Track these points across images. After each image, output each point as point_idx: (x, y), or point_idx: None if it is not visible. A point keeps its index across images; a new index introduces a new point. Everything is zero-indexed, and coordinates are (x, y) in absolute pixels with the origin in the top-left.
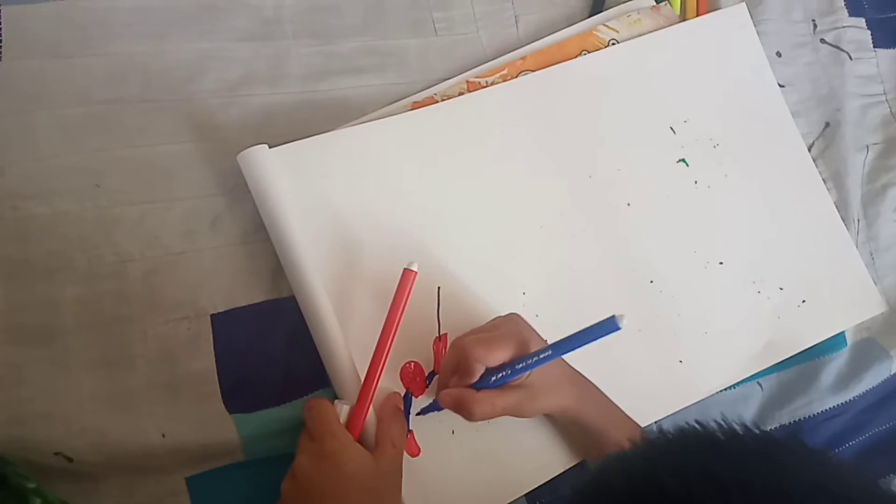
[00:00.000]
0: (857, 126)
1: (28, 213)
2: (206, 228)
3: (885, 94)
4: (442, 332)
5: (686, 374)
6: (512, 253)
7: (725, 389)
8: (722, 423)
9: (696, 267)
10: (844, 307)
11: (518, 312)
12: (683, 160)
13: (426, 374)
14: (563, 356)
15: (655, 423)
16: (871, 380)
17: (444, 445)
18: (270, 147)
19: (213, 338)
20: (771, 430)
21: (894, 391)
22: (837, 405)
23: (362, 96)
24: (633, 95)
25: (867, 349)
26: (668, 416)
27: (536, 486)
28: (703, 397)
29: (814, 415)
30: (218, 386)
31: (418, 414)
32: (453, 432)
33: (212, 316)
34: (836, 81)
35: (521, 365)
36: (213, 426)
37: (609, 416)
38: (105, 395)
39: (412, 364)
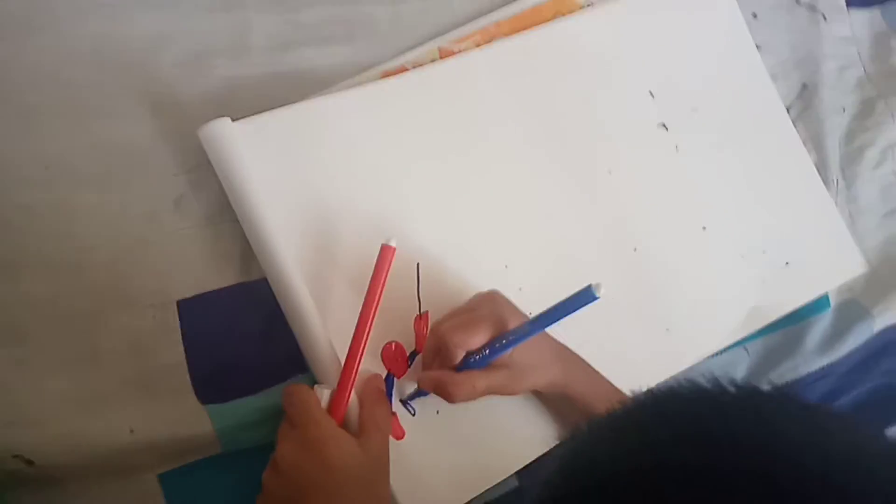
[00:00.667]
0: (834, 88)
1: None
2: (169, 210)
3: (859, 55)
4: (423, 311)
5: (673, 342)
6: (491, 226)
7: (712, 356)
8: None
9: (680, 233)
10: (827, 269)
11: (498, 289)
12: (663, 125)
13: (408, 355)
14: (546, 330)
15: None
16: (854, 340)
17: (429, 427)
18: (234, 120)
19: (181, 326)
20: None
21: (877, 351)
22: (823, 367)
23: (330, 67)
24: (610, 60)
25: (850, 310)
26: (656, 385)
27: (526, 463)
28: (690, 364)
29: (801, 377)
30: (189, 376)
31: (404, 400)
32: (438, 412)
33: (178, 302)
34: (812, 43)
35: (498, 344)
36: (186, 419)
37: (597, 388)
38: (71, 393)
39: (393, 344)
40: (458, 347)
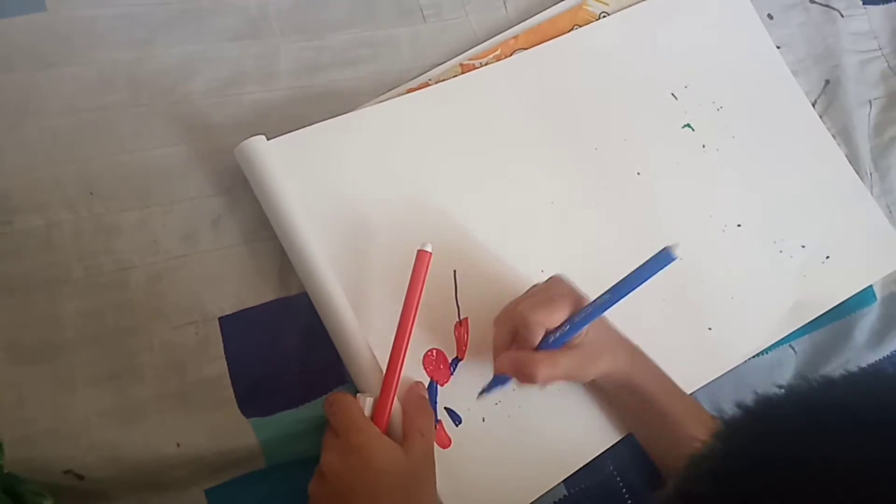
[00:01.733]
0: (858, 82)
1: (22, 226)
2: (207, 230)
3: (880, 48)
4: (462, 317)
5: (717, 341)
6: (525, 231)
7: (758, 356)
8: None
9: (715, 231)
10: (869, 260)
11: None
12: (689, 125)
13: (449, 361)
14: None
15: (691, 394)
16: None
17: (476, 436)
18: (268, 139)
19: (223, 341)
20: None
21: None
22: (875, 361)
23: (356, 87)
24: (630, 65)
25: None
26: (704, 386)
27: (574, 470)
28: (736, 364)
29: None
30: (232, 391)
31: (481, 394)
32: (484, 420)
33: (220, 319)
34: (830, 39)
35: (579, 317)
36: (230, 433)
37: (661, 382)
38: (113, 408)
39: (434, 351)
40: (539, 326)
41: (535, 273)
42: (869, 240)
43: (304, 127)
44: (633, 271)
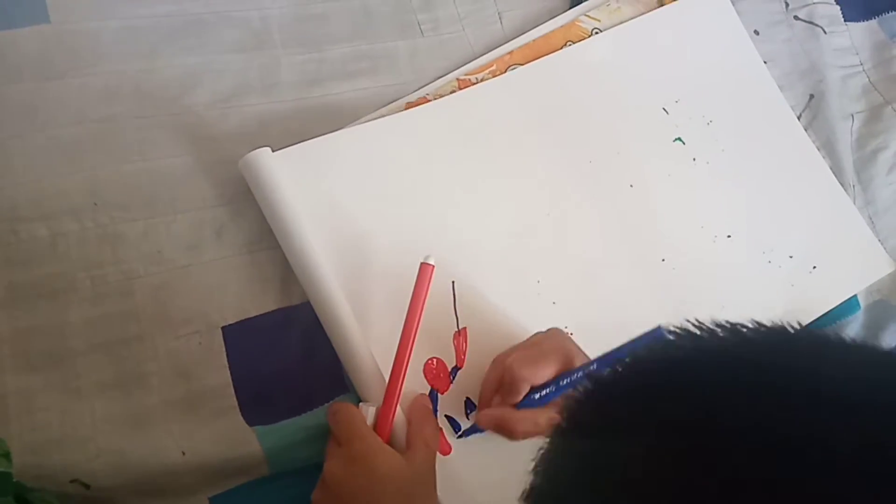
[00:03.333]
0: (840, 96)
1: (28, 235)
2: (210, 240)
3: (861, 64)
4: (461, 327)
5: None
6: (521, 243)
7: None
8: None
9: (706, 242)
10: (854, 270)
11: (557, 326)
12: (679, 139)
13: (449, 370)
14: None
15: None
16: (889, 340)
17: (475, 441)
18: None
19: (227, 350)
20: None
21: None
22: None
23: (356, 100)
24: (622, 81)
25: (881, 311)
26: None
27: None
28: None
29: None
30: (235, 399)
31: (459, 437)
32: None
33: (223, 328)
34: (814, 55)
35: (566, 381)
36: (235, 440)
37: None
38: (120, 416)
39: (434, 360)
40: (524, 381)
41: (531, 284)
42: (854, 249)
43: (304, 138)
44: (623, 344)
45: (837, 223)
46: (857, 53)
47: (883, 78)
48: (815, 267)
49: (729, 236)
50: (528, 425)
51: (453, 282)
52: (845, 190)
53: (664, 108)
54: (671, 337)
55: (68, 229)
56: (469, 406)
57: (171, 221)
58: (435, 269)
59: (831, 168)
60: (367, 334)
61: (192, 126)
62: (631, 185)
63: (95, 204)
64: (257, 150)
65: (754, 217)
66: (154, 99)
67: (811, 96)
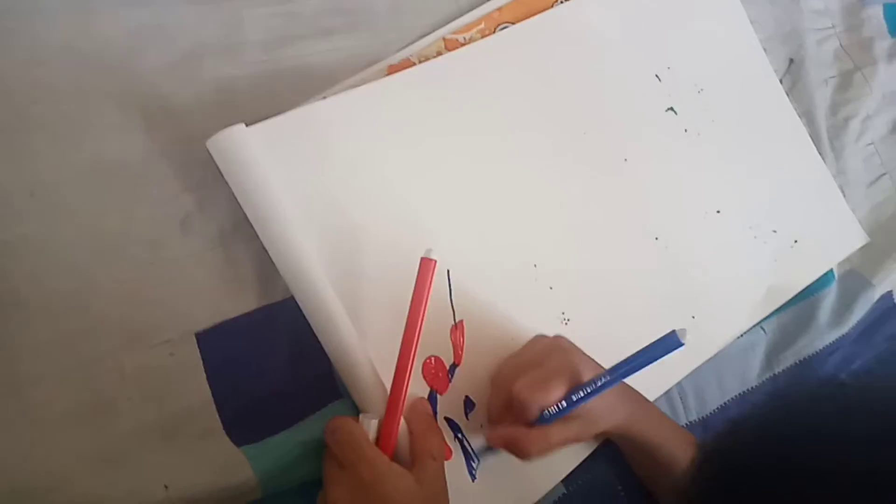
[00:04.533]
0: (816, 61)
1: None
2: (175, 233)
3: (833, 26)
4: (458, 320)
5: (700, 329)
6: (516, 221)
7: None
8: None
9: (697, 218)
10: (831, 243)
11: (562, 335)
12: (672, 108)
13: (447, 368)
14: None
15: (676, 384)
16: (859, 310)
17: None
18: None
19: (203, 360)
20: (779, 372)
21: (877, 319)
22: (836, 339)
23: (332, 62)
24: (616, 43)
25: (852, 281)
26: (688, 374)
27: (571, 469)
28: (718, 350)
29: (817, 352)
30: (218, 417)
31: (473, 466)
32: (482, 426)
33: (197, 334)
34: (795, 17)
35: (576, 396)
36: (223, 466)
37: (662, 429)
38: (90, 450)
39: (433, 359)
40: (535, 406)
41: (528, 268)
42: (831, 223)
43: (274, 108)
44: (637, 353)
45: (817, 196)
46: (830, 16)
47: (853, 42)
48: (796, 241)
49: (718, 212)
50: (541, 444)
51: (448, 271)
52: (824, 159)
53: (657, 75)
54: (684, 345)
55: (4, 237)
56: (468, 405)
57: (126, 213)
58: (437, 263)
59: (811, 136)
60: (363, 335)
61: (143, 97)
62: (625, 160)
63: (32, 195)
64: (230, 128)
65: (742, 191)
66: (94, 66)
67: (791, 61)
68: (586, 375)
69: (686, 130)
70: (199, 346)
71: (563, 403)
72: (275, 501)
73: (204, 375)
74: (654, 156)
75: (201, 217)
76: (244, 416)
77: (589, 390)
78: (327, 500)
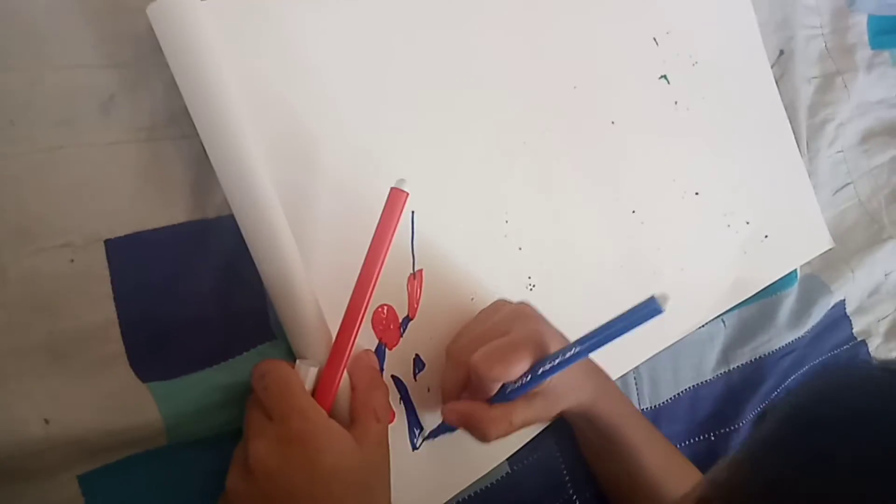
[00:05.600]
0: (803, 58)
1: None
2: (93, 114)
3: (821, 27)
4: (417, 268)
5: (664, 315)
6: (493, 173)
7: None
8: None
9: (675, 197)
10: (799, 244)
11: (527, 301)
12: (665, 77)
13: (400, 321)
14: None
15: (633, 369)
16: (816, 315)
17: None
18: None
19: (111, 273)
20: (734, 368)
21: (828, 326)
22: (792, 341)
23: None
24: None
25: (812, 285)
26: (646, 360)
27: (517, 449)
28: (679, 338)
29: (772, 352)
30: (122, 343)
31: (427, 438)
32: (429, 390)
33: (107, 242)
34: (788, 8)
35: (542, 370)
36: (121, 403)
37: (622, 410)
38: None
39: (385, 308)
40: (495, 382)
41: (499, 223)
42: (801, 223)
43: None
44: (612, 320)
45: (792, 194)
46: (820, 15)
47: (837, 46)
48: (766, 236)
49: (697, 193)
50: (503, 424)
51: (413, 212)
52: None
53: (654, 38)
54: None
55: None
56: (418, 364)
57: (33, 80)
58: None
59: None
60: (310, 268)
61: None
62: (612, 122)
63: None
64: None
65: (721, 177)
66: None
67: (781, 52)
68: (553, 347)
69: (676, 103)
70: (107, 256)
71: (528, 377)
72: (181, 452)
73: (110, 290)
74: (642, 124)
75: (129, 100)
76: (155, 347)
77: (556, 362)
78: (248, 455)
